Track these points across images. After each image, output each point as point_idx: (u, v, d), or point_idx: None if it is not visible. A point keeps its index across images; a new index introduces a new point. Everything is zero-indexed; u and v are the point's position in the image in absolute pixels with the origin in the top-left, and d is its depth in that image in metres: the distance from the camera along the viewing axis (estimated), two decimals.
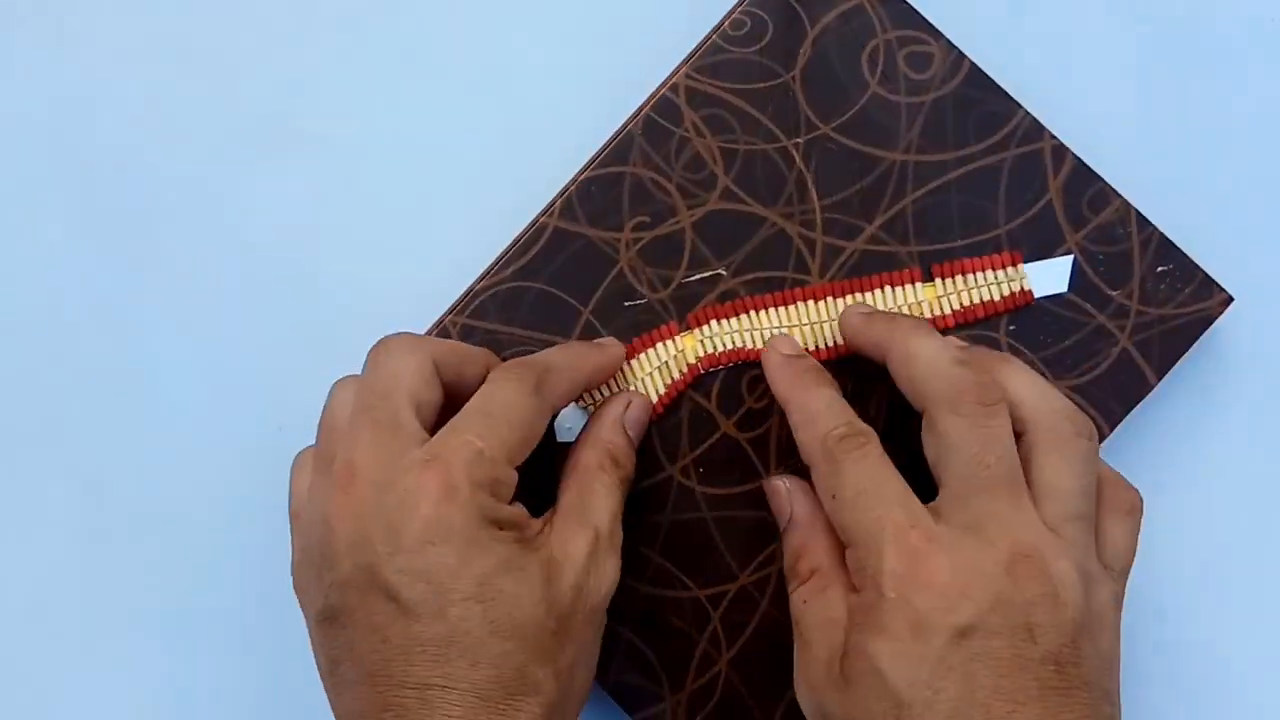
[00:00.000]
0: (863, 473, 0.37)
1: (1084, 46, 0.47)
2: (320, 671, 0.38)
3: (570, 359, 0.41)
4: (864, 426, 0.38)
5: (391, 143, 0.47)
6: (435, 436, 0.37)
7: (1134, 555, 0.38)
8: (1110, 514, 0.38)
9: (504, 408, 0.38)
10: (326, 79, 0.47)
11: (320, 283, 0.47)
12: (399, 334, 0.39)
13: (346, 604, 0.36)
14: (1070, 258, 0.44)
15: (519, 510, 0.38)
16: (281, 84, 0.47)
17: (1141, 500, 0.39)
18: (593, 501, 0.40)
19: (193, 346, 0.47)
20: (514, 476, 0.38)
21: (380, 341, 0.39)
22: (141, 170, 0.47)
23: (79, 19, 0.48)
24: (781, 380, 0.41)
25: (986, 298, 0.44)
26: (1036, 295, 0.44)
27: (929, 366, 0.38)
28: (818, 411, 0.39)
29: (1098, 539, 0.38)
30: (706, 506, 0.43)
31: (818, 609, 0.38)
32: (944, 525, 0.36)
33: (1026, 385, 0.38)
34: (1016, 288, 0.44)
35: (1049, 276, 0.44)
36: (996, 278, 0.44)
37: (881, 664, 0.35)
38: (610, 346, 0.43)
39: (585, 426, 0.42)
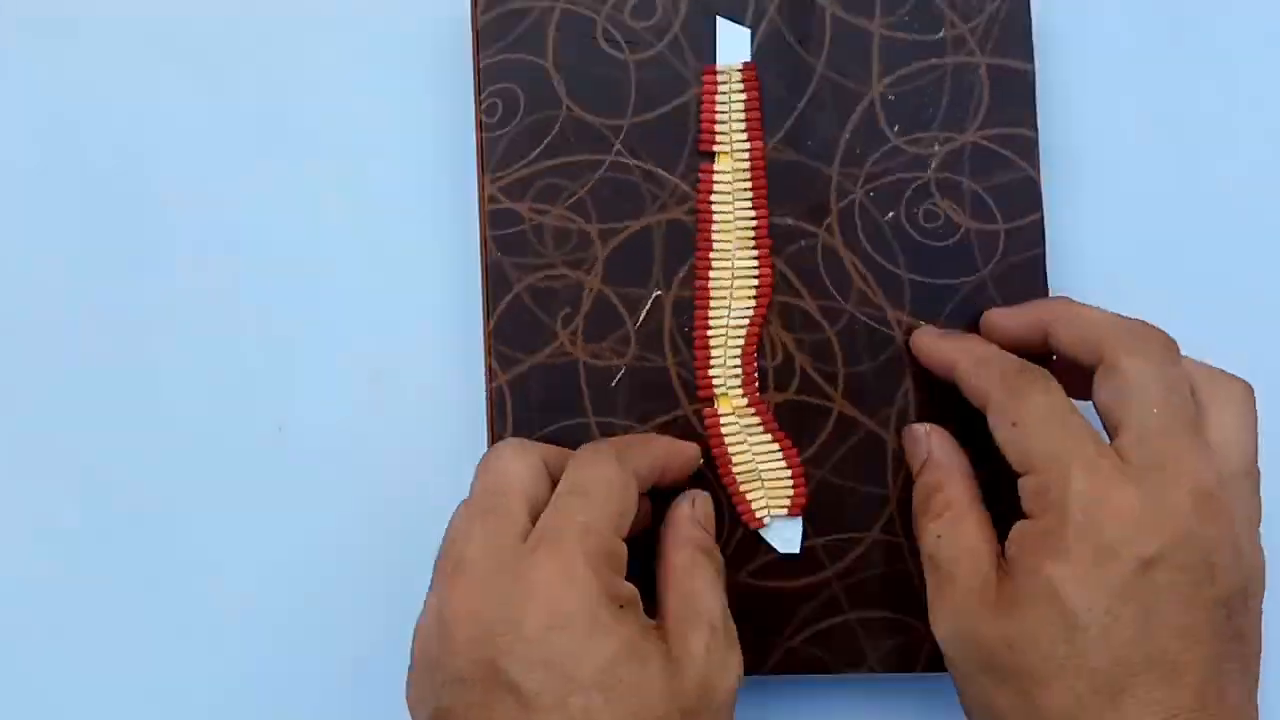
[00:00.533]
0: (1049, 401, 0.37)
1: None
2: None
3: (643, 438, 0.42)
4: (1046, 371, 0.39)
5: (391, 141, 0.47)
6: (536, 526, 0.37)
7: (1255, 451, 0.38)
8: (1223, 404, 0.38)
9: (595, 482, 0.37)
10: (325, 77, 0.48)
11: (320, 282, 0.47)
12: (509, 440, 0.40)
13: (462, 701, 0.35)
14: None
15: (634, 590, 0.37)
16: (282, 83, 0.48)
17: (1248, 388, 0.39)
18: (699, 598, 0.38)
19: (193, 346, 0.47)
20: (624, 550, 0.37)
21: (492, 448, 0.39)
22: (141, 171, 0.47)
23: (79, 19, 0.48)
24: (942, 344, 0.42)
25: None
26: None
27: (1111, 321, 0.39)
28: (991, 354, 0.40)
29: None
30: None
31: (954, 541, 0.38)
32: (1128, 461, 0.36)
33: (1189, 358, 0.39)
34: None
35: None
36: None
37: (1060, 585, 0.35)
38: (685, 444, 0.42)
39: (660, 536, 0.41)
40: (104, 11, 0.48)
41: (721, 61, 0.44)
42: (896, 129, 0.44)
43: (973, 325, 0.43)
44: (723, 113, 0.44)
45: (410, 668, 0.38)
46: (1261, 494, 0.38)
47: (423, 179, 0.47)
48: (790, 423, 0.44)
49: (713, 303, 0.44)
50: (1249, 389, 0.39)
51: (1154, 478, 0.36)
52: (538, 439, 0.43)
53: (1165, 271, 0.47)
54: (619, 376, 0.44)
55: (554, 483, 0.38)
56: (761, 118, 0.44)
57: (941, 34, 0.44)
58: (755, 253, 0.44)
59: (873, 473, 0.43)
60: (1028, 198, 0.44)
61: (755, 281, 0.44)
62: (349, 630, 0.45)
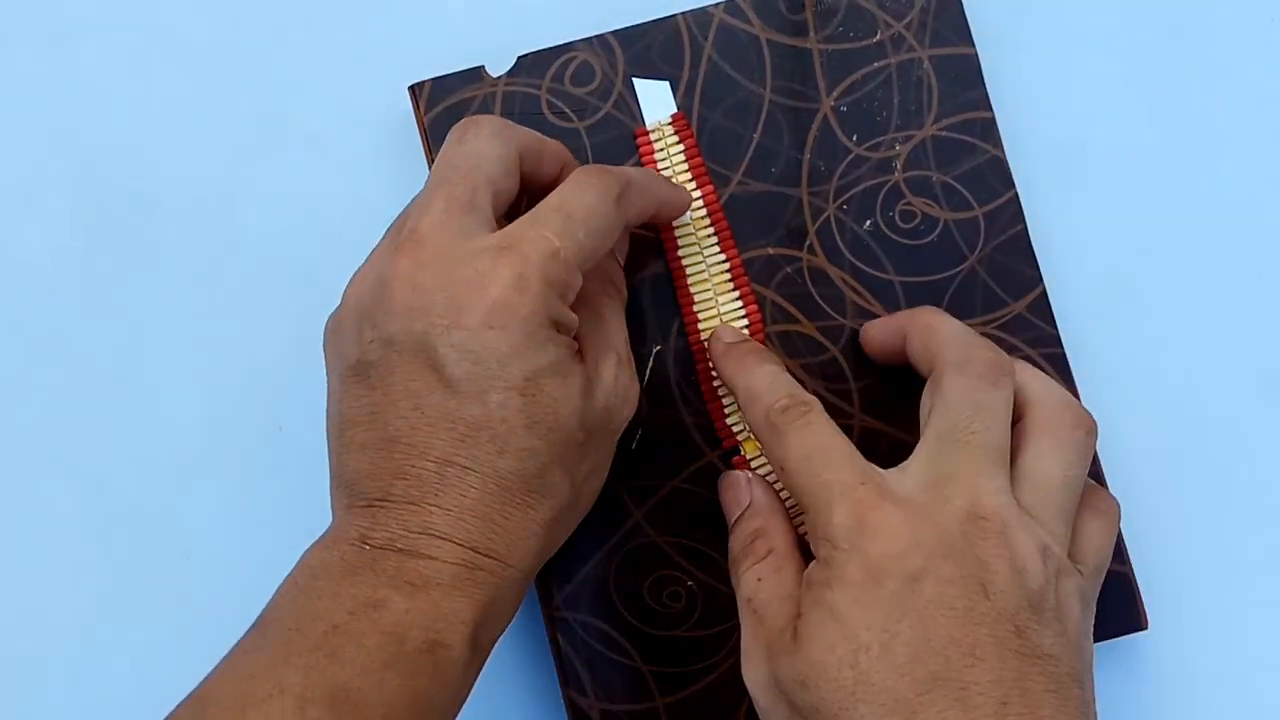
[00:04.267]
0: (807, 439, 0.37)
1: None
2: (329, 428, 0.38)
3: (649, 179, 0.41)
4: (807, 396, 0.39)
5: (391, 140, 0.47)
6: (511, 226, 0.37)
7: (1107, 558, 0.38)
8: (1085, 511, 0.38)
9: (585, 212, 0.37)
10: (325, 76, 0.47)
11: (321, 282, 0.46)
12: (487, 116, 0.39)
13: (384, 363, 0.36)
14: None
15: (576, 320, 0.38)
16: (282, 83, 0.48)
17: (1119, 508, 0.39)
18: (609, 325, 0.40)
19: (193, 346, 0.46)
20: (580, 282, 0.37)
21: (468, 120, 0.39)
22: (141, 169, 0.47)
23: (79, 19, 0.48)
24: (725, 367, 0.41)
25: None
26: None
27: (949, 335, 0.39)
28: (760, 389, 0.39)
29: (1072, 535, 0.37)
30: None
31: (773, 585, 0.38)
32: (902, 480, 0.37)
33: (1036, 376, 0.39)
34: None
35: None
36: None
37: (839, 610, 0.35)
38: (683, 190, 0.43)
39: None
40: (104, 11, 0.48)
41: (650, 119, 0.44)
42: (855, 138, 0.44)
43: (973, 315, 0.44)
44: (665, 169, 0.44)
45: (336, 311, 0.38)
46: (1114, 529, 0.38)
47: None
48: None
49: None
50: (1084, 421, 0.38)
51: (925, 496, 0.36)
52: None
53: (1166, 270, 0.47)
54: (637, 438, 0.44)
55: (522, 174, 0.38)
56: (703, 163, 0.44)
57: (878, 36, 0.44)
58: (736, 293, 0.44)
59: None
60: (998, 178, 0.44)
61: (745, 321, 0.44)
62: None
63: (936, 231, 0.44)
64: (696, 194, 0.44)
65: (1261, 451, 0.46)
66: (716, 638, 0.43)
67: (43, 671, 0.46)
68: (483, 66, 0.45)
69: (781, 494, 0.41)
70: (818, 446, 0.37)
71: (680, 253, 0.44)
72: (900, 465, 0.37)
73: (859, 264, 0.44)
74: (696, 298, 0.44)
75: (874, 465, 0.37)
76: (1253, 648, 0.45)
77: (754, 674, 0.38)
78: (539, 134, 0.40)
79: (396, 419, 0.35)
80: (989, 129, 0.44)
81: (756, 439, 0.40)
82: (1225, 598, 0.45)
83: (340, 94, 0.47)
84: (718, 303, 0.44)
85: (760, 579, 0.39)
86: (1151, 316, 0.46)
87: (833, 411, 0.43)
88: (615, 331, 0.40)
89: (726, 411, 0.44)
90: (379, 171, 0.47)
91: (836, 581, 0.35)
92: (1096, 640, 0.43)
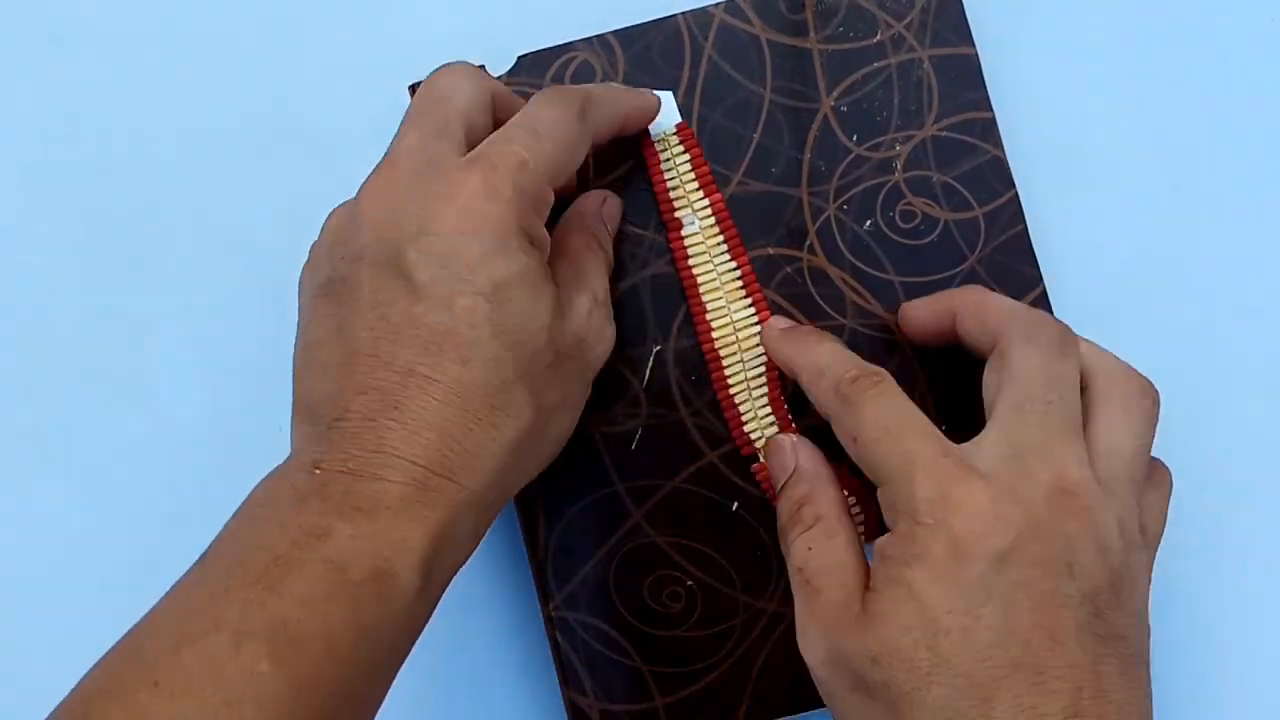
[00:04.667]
0: (883, 409, 0.37)
1: None
2: (295, 355, 0.37)
3: (611, 91, 0.41)
4: (875, 368, 0.38)
5: (389, 138, 0.47)
6: (480, 145, 0.37)
7: (1164, 527, 0.38)
8: (1146, 483, 0.38)
9: (550, 126, 0.37)
10: (326, 77, 0.48)
11: None
12: (464, 62, 0.39)
13: (353, 276, 0.35)
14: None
15: (547, 239, 0.37)
16: (281, 83, 0.48)
17: (1171, 477, 0.39)
18: (586, 272, 0.40)
19: (193, 346, 0.47)
20: (552, 198, 0.37)
21: (444, 65, 0.39)
22: (141, 170, 0.47)
23: (79, 19, 0.48)
24: (782, 349, 0.41)
25: None
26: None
27: (1008, 309, 0.39)
28: (825, 363, 0.39)
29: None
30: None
31: (825, 554, 0.37)
32: (981, 455, 0.36)
33: (1094, 347, 0.39)
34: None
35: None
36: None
37: (919, 589, 0.34)
38: (648, 94, 0.43)
39: (565, 216, 0.42)
40: (104, 11, 0.48)
41: (654, 130, 0.44)
42: (855, 138, 0.44)
43: None
44: (672, 178, 0.44)
45: (314, 243, 0.38)
46: (1169, 500, 0.38)
47: None
48: (822, 446, 0.43)
49: (725, 361, 0.43)
50: (1150, 390, 0.38)
51: (1008, 469, 0.35)
52: (571, 517, 0.43)
53: (1166, 270, 0.47)
54: (637, 439, 0.43)
55: (497, 122, 0.38)
56: (710, 171, 0.44)
57: (879, 36, 0.44)
58: (748, 300, 0.44)
59: None
60: (998, 178, 0.44)
61: (757, 327, 0.44)
62: None
63: (937, 231, 0.44)
64: (704, 201, 0.44)
65: (1263, 452, 0.46)
66: (717, 638, 0.43)
67: (43, 671, 0.45)
68: (483, 66, 0.45)
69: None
70: (896, 416, 0.37)
71: (690, 261, 0.44)
72: (973, 440, 0.36)
73: (859, 264, 0.44)
74: (709, 305, 0.44)
75: (948, 439, 0.36)
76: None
77: (812, 647, 0.37)
78: (513, 94, 0.41)
79: (362, 330, 0.35)
80: (989, 129, 0.44)
81: (824, 413, 0.39)
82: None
83: (341, 94, 0.47)
84: (730, 311, 0.44)
85: (811, 547, 0.38)
86: (1152, 317, 0.46)
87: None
88: (594, 277, 0.40)
89: (744, 418, 0.43)
90: None
91: (917, 559, 0.34)
92: None
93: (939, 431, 0.36)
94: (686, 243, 0.44)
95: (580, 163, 0.39)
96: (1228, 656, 0.46)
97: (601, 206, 0.42)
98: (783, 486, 0.40)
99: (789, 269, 0.44)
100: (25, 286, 0.47)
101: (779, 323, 0.43)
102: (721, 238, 0.44)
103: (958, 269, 0.44)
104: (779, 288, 0.44)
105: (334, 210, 0.38)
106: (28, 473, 0.46)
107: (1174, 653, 0.45)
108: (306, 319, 0.37)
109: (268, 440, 0.45)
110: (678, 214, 0.44)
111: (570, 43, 0.44)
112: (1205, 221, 0.47)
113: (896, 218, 0.44)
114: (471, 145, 0.37)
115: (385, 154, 0.37)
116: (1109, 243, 0.47)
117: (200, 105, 0.48)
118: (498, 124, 0.38)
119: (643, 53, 0.44)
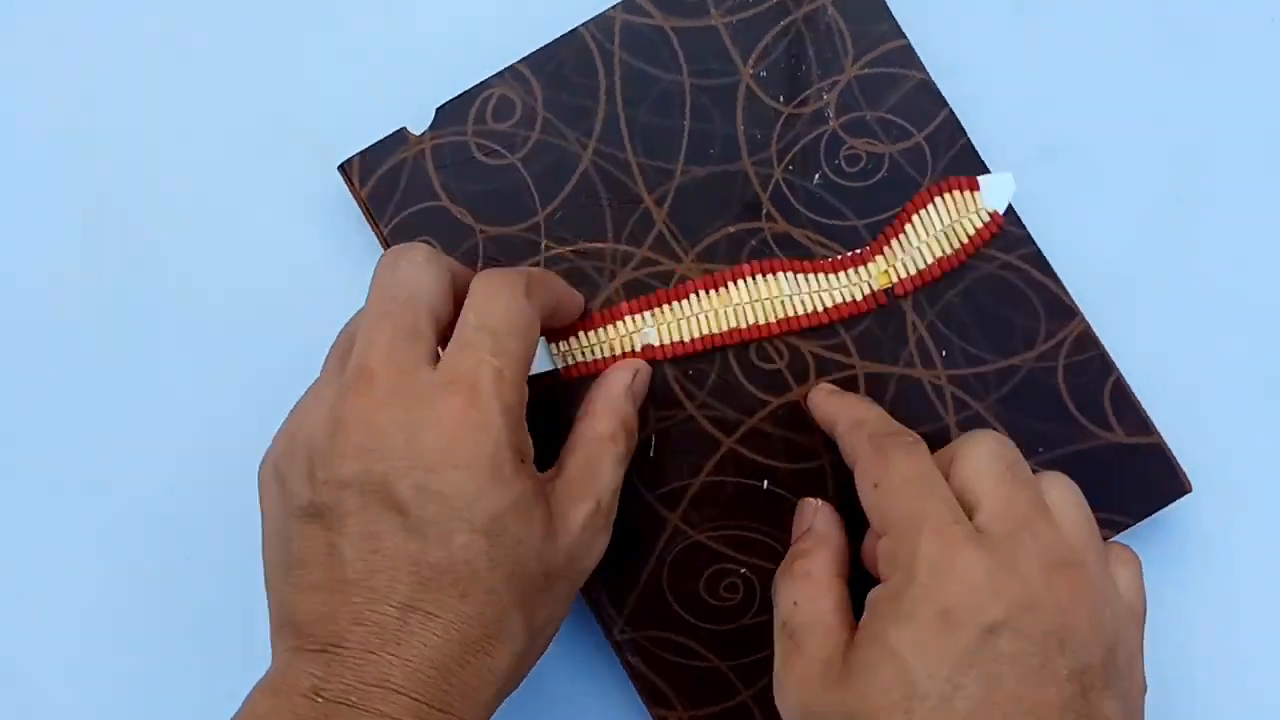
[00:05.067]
0: (913, 464, 0.37)
1: None
2: (271, 567, 0.37)
3: (545, 275, 0.41)
4: (916, 435, 0.39)
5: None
6: (446, 357, 0.36)
7: (1145, 602, 0.38)
8: (1115, 564, 0.38)
9: (505, 319, 0.37)
10: (325, 79, 0.47)
11: (322, 282, 0.46)
12: (416, 244, 0.38)
13: (341, 505, 0.35)
14: (1008, 176, 0.44)
15: (531, 443, 0.37)
16: (282, 83, 0.47)
17: (1139, 559, 0.39)
18: (600, 473, 0.39)
19: (193, 346, 0.46)
20: (526, 394, 0.37)
21: (398, 249, 0.38)
22: (141, 170, 0.47)
23: (79, 19, 0.47)
24: (828, 405, 0.42)
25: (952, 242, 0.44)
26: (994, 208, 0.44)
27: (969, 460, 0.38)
28: (868, 418, 0.40)
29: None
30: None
31: (810, 611, 0.37)
32: (984, 533, 0.36)
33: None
34: (983, 214, 0.44)
35: (997, 190, 0.44)
36: (953, 205, 0.44)
37: (902, 651, 0.34)
38: (575, 292, 0.43)
39: (591, 393, 0.41)
40: (104, 11, 0.48)
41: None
42: (782, 99, 0.45)
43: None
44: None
45: (276, 446, 0.37)
46: (1142, 579, 0.38)
47: None
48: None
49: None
50: (1070, 480, 0.38)
51: (1006, 546, 0.35)
52: (610, 540, 0.42)
53: (1166, 270, 0.47)
54: (653, 446, 0.43)
55: (456, 299, 0.38)
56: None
57: None
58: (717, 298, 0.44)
59: (920, 417, 0.44)
60: (929, 100, 0.44)
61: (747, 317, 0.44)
62: None
63: (885, 167, 0.44)
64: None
65: (1262, 453, 0.46)
66: None
67: (43, 672, 0.46)
68: (404, 128, 0.45)
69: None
70: (920, 473, 0.37)
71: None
72: (973, 520, 0.36)
73: (819, 218, 0.44)
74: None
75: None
76: None
77: (788, 700, 0.37)
78: (463, 266, 0.40)
79: (355, 561, 0.34)
80: (908, 56, 0.45)
81: (850, 459, 0.39)
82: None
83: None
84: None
85: (797, 602, 0.38)
86: (1152, 317, 0.46)
87: (833, 366, 0.44)
88: (605, 479, 0.39)
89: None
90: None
91: (906, 619, 0.34)
92: (1142, 516, 0.43)
93: (957, 503, 0.36)
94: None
95: (536, 343, 0.38)
96: (1229, 656, 0.46)
97: (631, 382, 0.41)
98: (795, 540, 0.41)
99: (754, 242, 0.44)
100: (25, 286, 0.47)
101: (828, 386, 0.43)
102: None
103: (915, 196, 0.44)
104: (748, 262, 0.44)
105: (297, 412, 0.37)
106: (28, 474, 0.46)
107: (1174, 652, 0.45)
108: (286, 536, 0.36)
109: (268, 440, 0.45)
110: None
111: (484, 82, 0.45)
112: (1205, 221, 0.47)
113: (843, 164, 0.44)
114: (440, 336, 0.37)
115: (355, 358, 0.36)
116: (1109, 243, 0.46)
117: (200, 104, 0.47)
118: (457, 300, 0.38)
119: (555, 73, 0.45)
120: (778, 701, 0.38)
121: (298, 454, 0.36)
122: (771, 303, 0.44)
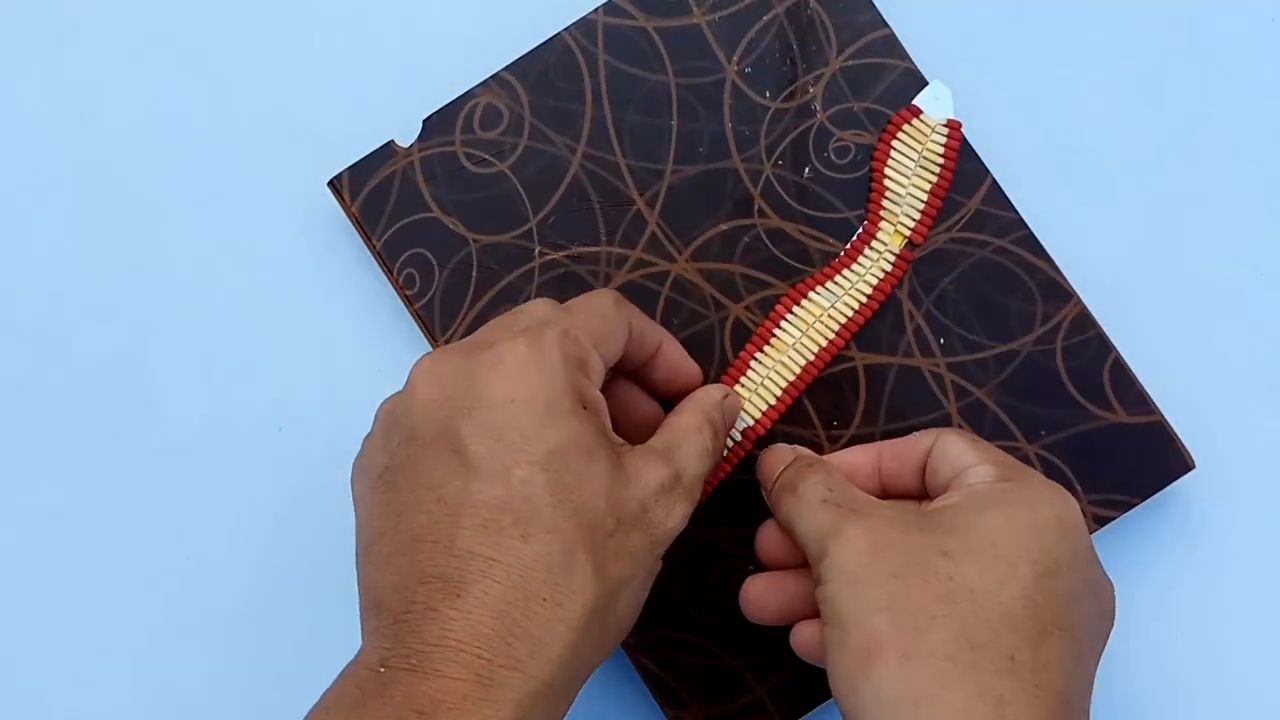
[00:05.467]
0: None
1: None
2: (358, 552, 0.36)
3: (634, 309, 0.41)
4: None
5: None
6: None
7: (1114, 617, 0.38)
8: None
9: (587, 304, 0.38)
10: (325, 79, 0.47)
11: (322, 282, 0.47)
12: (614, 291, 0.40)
13: (409, 460, 0.34)
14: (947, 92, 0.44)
15: (603, 400, 0.37)
16: (282, 83, 0.47)
17: None
18: (683, 450, 0.38)
19: (193, 346, 0.46)
20: (602, 367, 0.37)
21: (605, 293, 0.39)
22: (141, 170, 0.47)
23: (79, 19, 0.48)
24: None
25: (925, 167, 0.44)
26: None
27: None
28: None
29: None
30: None
31: (849, 489, 0.39)
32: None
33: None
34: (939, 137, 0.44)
35: (937, 102, 0.44)
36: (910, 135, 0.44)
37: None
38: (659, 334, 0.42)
39: (689, 396, 0.41)
40: (104, 11, 0.48)
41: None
42: (768, 94, 0.45)
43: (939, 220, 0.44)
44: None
45: (367, 436, 0.37)
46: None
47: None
48: (827, 400, 0.44)
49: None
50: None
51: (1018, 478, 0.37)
52: None
53: (1166, 270, 0.47)
54: None
55: (634, 354, 0.39)
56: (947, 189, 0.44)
57: None
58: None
59: (921, 406, 0.44)
60: (915, 87, 0.44)
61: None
62: (350, 630, 0.44)
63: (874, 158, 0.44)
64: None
65: (1262, 451, 0.46)
66: None
67: (43, 671, 0.46)
68: (392, 141, 0.44)
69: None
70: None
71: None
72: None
73: (811, 212, 0.44)
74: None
75: None
76: None
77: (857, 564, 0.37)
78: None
79: (420, 515, 0.34)
80: (891, 45, 0.44)
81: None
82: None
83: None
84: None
85: (830, 489, 0.39)
86: (1152, 317, 0.46)
87: (836, 360, 0.44)
88: (689, 458, 0.38)
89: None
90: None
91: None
92: (1148, 495, 0.43)
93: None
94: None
95: (622, 344, 0.38)
96: (1233, 632, 0.46)
97: (724, 399, 0.41)
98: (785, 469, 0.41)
99: (746, 239, 0.44)
100: (25, 286, 0.47)
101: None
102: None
103: (872, 156, 0.44)
104: (742, 259, 0.44)
105: (383, 403, 0.37)
106: (28, 474, 0.46)
107: (1178, 630, 0.45)
108: (365, 514, 0.36)
109: (267, 440, 0.45)
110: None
111: (469, 91, 0.44)
112: (1205, 221, 0.47)
113: (832, 156, 0.44)
114: (599, 381, 0.37)
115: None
116: (1109, 243, 0.46)
117: (200, 104, 0.47)
118: (629, 356, 0.39)
119: (540, 79, 0.44)
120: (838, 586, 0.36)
121: (375, 432, 0.37)
122: (821, 322, 0.44)
